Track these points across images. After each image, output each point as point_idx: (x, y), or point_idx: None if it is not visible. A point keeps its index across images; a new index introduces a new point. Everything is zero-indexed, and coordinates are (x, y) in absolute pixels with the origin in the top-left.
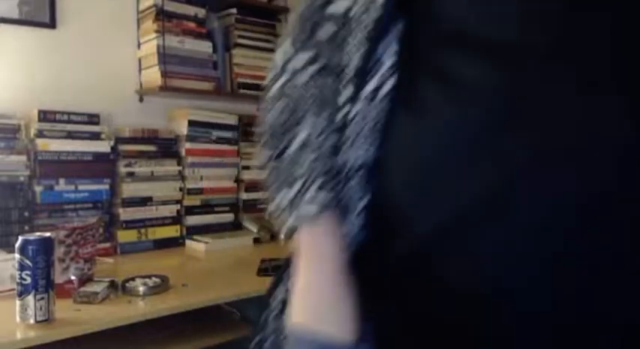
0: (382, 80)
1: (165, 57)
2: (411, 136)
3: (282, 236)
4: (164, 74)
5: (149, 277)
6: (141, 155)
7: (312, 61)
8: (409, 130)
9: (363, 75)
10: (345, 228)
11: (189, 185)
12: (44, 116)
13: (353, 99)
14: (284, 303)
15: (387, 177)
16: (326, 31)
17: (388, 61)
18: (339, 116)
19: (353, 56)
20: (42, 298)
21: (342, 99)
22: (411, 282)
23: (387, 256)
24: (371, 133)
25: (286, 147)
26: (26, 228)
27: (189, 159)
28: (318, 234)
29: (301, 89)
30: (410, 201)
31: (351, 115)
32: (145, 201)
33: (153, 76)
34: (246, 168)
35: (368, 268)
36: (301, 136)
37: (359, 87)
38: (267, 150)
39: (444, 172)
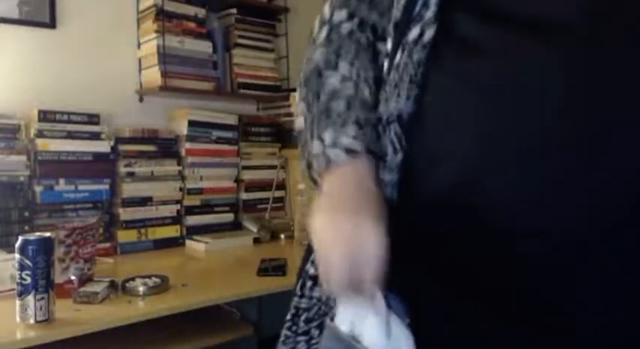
0: (423, 28)
1: (165, 57)
2: (456, 78)
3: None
4: (164, 74)
5: (149, 277)
6: (141, 155)
7: (350, 18)
8: (454, 73)
9: (404, 25)
10: (381, 179)
11: (189, 185)
12: (44, 116)
13: (394, 50)
14: (314, 278)
15: (428, 123)
16: None
17: (429, 10)
18: (380, 67)
19: (395, 7)
20: (42, 298)
21: (382, 50)
22: (446, 228)
23: (420, 203)
24: (410, 83)
25: (319, 94)
26: (26, 228)
27: (189, 159)
28: (345, 172)
29: (340, 40)
30: (456, 139)
31: (394, 64)
32: (145, 201)
33: (153, 76)
34: (246, 168)
35: (400, 221)
36: (333, 83)
37: (400, 38)
38: (303, 97)
39: (492, 111)
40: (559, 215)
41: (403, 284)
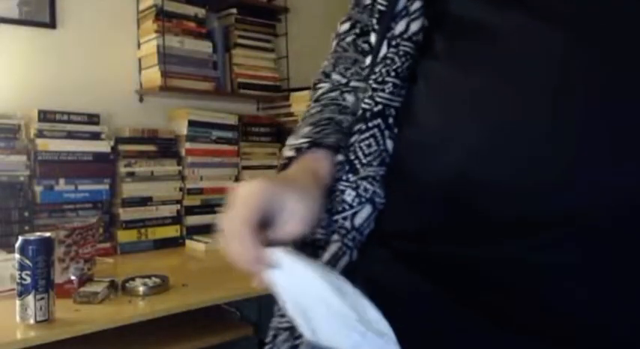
0: (410, 22)
1: (165, 57)
2: (454, 63)
3: None
4: (164, 74)
5: (149, 277)
6: (141, 155)
7: (352, 28)
8: (450, 59)
9: (389, 19)
10: (362, 174)
11: (189, 185)
12: (44, 116)
13: (378, 44)
14: None
15: (420, 113)
16: (364, 0)
17: (416, 3)
18: (364, 66)
19: (378, 1)
20: (42, 298)
21: (367, 49)
22: (446, 223)
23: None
24: (396, 77)
25: (310, 103)
26: (26, 228)
27: (189, 159)
28: (293, 166)
29: (341, 51)
30: (454, 128)
31: (379, 58)
32: (145, 201)
33: (153, 76)
34: (246, 168)
35: (391, 218)
36: (320, 92)
37: (384, 32)
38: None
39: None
40: (567, 205)
41: (394, 286)
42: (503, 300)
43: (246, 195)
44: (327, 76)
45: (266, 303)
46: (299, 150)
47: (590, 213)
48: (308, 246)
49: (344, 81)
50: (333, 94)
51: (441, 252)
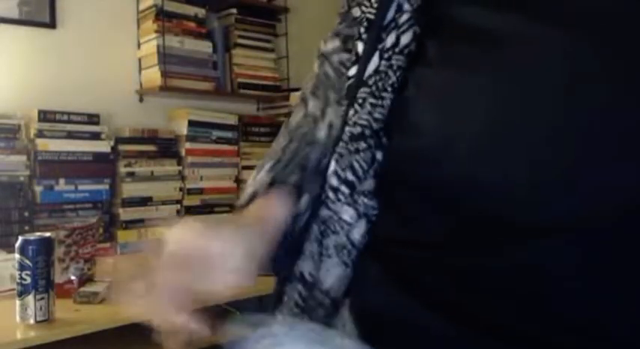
0: (400, 34)
1: (165, 57)
2: (449, 67)
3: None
4: (164, 74)
5: None
6: (141, 155)
7: (342, 44)
8: (446, 63)
9: (379, 30)
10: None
11: (189, 185)
12: (44, 116)
13: (367, 55)
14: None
15: (414, 119)
16: (353, 14)
17: (404, 15)
18: (350, 75)
19: (367, 12)
20: (42, 298)
21: (351, 65)
22: (447, 235)
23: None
24: (392, 92)
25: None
26: (26, 228)
27: (189, 159)
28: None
29: (323, 73)
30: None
31: (368, 72)
32: (145, 201)
33: (153, 76)
34: (246, 168)
35: (385, 232)
36: (293, 120)
37: (374, 43)
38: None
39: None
40: (568, 206)
41: (387, 312)
42: (501, 303)
43: (174, 250)
44: (304, 102)
45: (266, 303)
46: (258, 190)
47: (591, 213)
48: (293, 281)
49: (321, 107)
50: (305, 127)
51: (440, 263)
